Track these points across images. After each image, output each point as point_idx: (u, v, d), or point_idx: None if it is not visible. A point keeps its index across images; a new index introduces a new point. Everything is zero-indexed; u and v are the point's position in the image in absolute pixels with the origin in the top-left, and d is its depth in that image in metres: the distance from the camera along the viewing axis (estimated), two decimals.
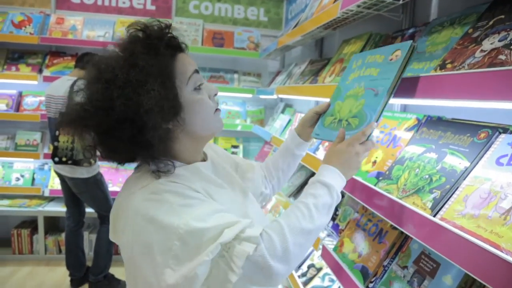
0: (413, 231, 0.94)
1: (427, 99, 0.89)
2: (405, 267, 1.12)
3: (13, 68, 3.40)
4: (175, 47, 0.91)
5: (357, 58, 1.17)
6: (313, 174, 1.32)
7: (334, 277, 1.78)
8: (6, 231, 3.54)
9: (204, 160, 1.02)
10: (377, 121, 0.96)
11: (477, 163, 0.91)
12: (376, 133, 1.40)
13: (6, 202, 3.50)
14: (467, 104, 0.86)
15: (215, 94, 0.96)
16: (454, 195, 0.90)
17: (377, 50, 1.07)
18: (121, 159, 0.90)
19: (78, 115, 0.81)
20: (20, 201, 3.53)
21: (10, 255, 3.46)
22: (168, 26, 0.90)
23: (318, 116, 1.19)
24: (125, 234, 0.83)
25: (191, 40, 3.54)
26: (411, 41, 0.95)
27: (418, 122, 1.23)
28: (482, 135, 0.94)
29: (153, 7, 3.72)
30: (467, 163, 0.93)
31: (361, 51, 1.55)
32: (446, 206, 0.90)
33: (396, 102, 1.46)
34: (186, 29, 3.56)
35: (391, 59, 0.98)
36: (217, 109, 0.96)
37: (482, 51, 0.83)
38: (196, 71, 0.92)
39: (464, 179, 0.92)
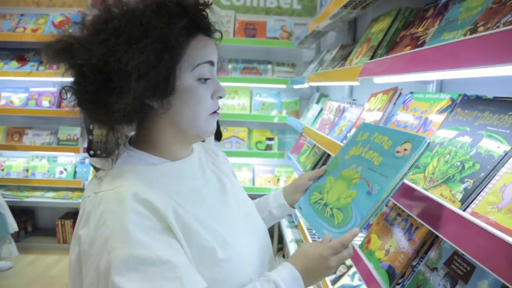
0: (439, 227, 0.80)
1: (450, 70, 0.75)
2: (434, 269, 0.98)
3: (55, 66, 3.54)
4: (200, 27, 0.80)
5: (365, 128, 1.02)
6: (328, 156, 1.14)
7: None
8: (52, 221, 3.72)
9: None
10: (362, 228, 0.82)
11: None
12: (406, 118, 1.24)
13: (51, 194, 3.68)
14: (505, 71, 0.70)
15: (219, 97, 0.85)
16: (489, 185, 0.76)
17: (388, 131, 0.94)
18: (93, 117, 0.80)
19: (64, 45, 0.75)
20: (63, 193, 3.69)
21: (55, 244, 3.64)
22: (205, 4, 0.80)
23: (311, 182, 1.06)
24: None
25: (222, 32, 3.48)
26: (425, 137, 0.81)
27: (452, 102, 1.07)
28: None
29: None
30: (507, 147, 0.78)
31: (389, 28, 1.39)
32: (478, 198, 0.76)
33: (428, 78, 1.28)
34: (223, 22, 3.51)
35: (397, 152, 0.84)
36: (214, 112, 0.85)
37: None
38: (211, 63, 0.81)
39: (503, 166, 0.76)
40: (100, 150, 2.75)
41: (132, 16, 0.73)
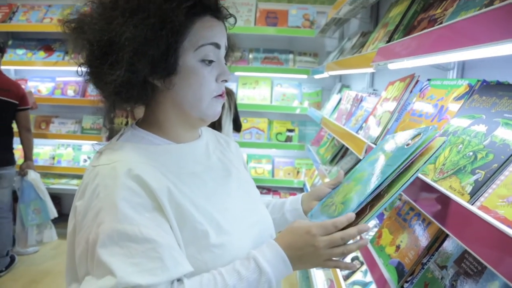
0: (446, 222, 0.73)
1: (461, 51, 0.68)
2: (444, 267, 0.91)
3: (79, 56, 3.61)
4: (207, 7, 0.79)
5: (389, 138, 0.97)
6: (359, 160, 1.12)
7: None
8: None
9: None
10: (369, 220, 0.74)
11: None
12: (421, 106, 1.17)
13: (75, 181, 3.79)
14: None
15: (224, 80, 0.82)
16: (501, 177, 0.68)
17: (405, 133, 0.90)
18: (104, 91, 0.82)
19: (77, 22, 0.79)
20: None
21: None
22: None
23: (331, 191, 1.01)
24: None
25: (243, 20, 3.44)
26: (434, 126, 0.78)
27: (470, 89, 0.99)
28: None
29: None
30: None
31: (407, 11, 1.31)
32: (489, 190, 0.69)
33: (442, 60, 1.20)
34: (238, 10, 3.47)
35: (407, 145, 0.81)
36: (219, 96, 0.83)
37: None
38: (216, 46, 0.79)
39: None
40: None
41: None
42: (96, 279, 0.66)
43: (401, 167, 0.75)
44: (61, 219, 3.91)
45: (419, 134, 0.81)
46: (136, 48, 0.71)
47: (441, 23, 1.04)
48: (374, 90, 2.35)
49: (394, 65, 1.21)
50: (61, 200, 4.04)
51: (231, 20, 0.88)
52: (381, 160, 0.87)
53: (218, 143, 0.99)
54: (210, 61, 0.79)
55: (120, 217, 0.68)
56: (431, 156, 0.75)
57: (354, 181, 0.90)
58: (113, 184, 0.71)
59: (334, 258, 0.76)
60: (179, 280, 0.71)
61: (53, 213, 3.09)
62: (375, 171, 0.83)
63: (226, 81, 0.83)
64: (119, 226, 0.67)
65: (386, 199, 0.75)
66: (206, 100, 0.81)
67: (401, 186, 0.75)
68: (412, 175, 0.75)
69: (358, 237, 0.77)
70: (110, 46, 0.72)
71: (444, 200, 0.75)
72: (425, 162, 0.75)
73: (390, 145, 0.91)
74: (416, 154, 0.77)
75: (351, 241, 0.76)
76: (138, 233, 0.67)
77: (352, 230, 0.73)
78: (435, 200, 0.79)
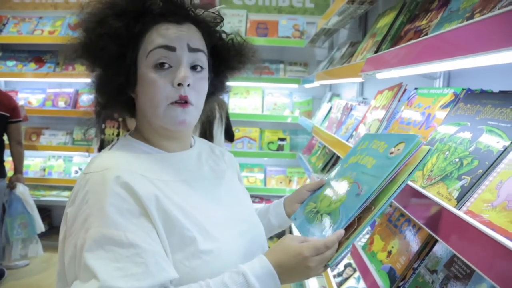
0: (434, 227, 0.76)
1: (446, 61, 0.71)
2: (434, 271, 0.93)
3: (70, 68, 3.62)
4: (161, 15, 0.78)
5: (366, 138, 0.98)
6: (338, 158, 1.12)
7: None
8: None
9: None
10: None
11: None
12: (409, 114, 1.20)
13: (66, 193, 3.75)
14: (503, 58, 0.66)
15: (179, 84, 0.78)
16: (486, 182, 0.71)
17: (386, 136, 0.90)
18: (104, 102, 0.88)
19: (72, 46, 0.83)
20: None
21: None
22: None
23: (311, 193, 1.00)
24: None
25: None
26: (418, 135, 0.76)
27: (455, 97, 1.02)
28: None
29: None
30: (506, 142, 0.73)
31: (393, 22, 1.35)
32: (474, 195, 0.71)
33: (428, 70, 1.23)
34: (229, 20, 3.51)
35: (391, 153, 0.80)
36: (179, 103, 0.78)
37: None
38: (168, 48, 0.77)
39: (501, 161, 0.72)
40: None
41: (87, 16, 0.79)
42: (82, 283, 0.67)
43: (387, 179, 0.75)
44: (52, 232, 3.88)
45: (402, 142, 0.80)
46: (98, 67, 0.80)
47: (426, 34, 1.08)
48: (363, 98, 2.39)
49: (382, 74, 1.24)
50: (51, 212, 4.00)
51: (234, 31, 0.92)
52: (363, 166, 0.87)
53: (212, 154, 1.00)
54: (162, 64, 0.77)
55: (107, 222, 0.69)
56: (416, 166, 0.75)
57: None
58: (102, 191, 0.72)
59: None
60: (165, 287, 0.71)
61: (40, 227, 3.05)
62: (359, 180, 0.83)
63: (181, 84, 0.78)
64: (106, 231, 0.68)
65: (374, 212, 0.75)
66: (161, 107, 0.78)
67: (389, 198, 0.75)
68: (399, 186, 0.75)
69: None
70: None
71: (432, 206, 0.77)
72: (410, 173, 0.75)
73: (370, 147, 0.91)
74: (402, 165, 0.76)
75: None
76: (124, 238, 0.69)
77: (331, 237, 0.74)
78: (424, 206, 0.81)
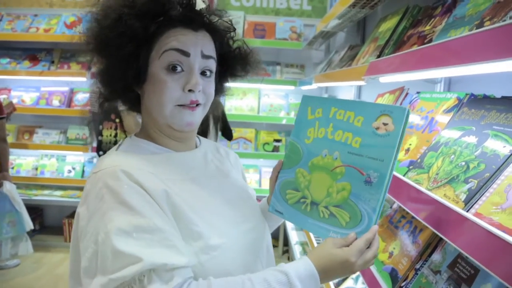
0: (442, 228, 0.77)
1: (456, 67, 0.72)
2: (438, 272, 0.95)
3: (65, 66, 3.59)
4: (179, 20, 0.79)
5: (312, 103, 0.88)
6: None
7: None
8: (59, 220, 3.75)
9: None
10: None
11: None
12: (412, 118, 1.22)
13: (59, 193, 3.71)
14: (506, 66, 0.68)
15: (190, 90, 0.80)
16: (494, 185, 0.73)
17: (348, 104, 0.82)
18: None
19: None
20: (71, 192, 3.72)
21: (62, 242, 3.66)
22: (185, 0, 0.80)
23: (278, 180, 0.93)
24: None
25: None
26: (405, 107, 0.73)
27: (458, 102, 1.04)
28: None
29: None
30: None
31: (396, 26, 1.37)
32: (482, 198, 0.73)
33: (434, 75, 1.26)
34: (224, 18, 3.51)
35: (377, 129, 0.75)
36: (188, 106, 0.80)
37: None
38: (182, 52, 0.78)
39: (508, 165, 0.74)
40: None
41: (102, 10, 0.79)
42: (117, 271, 0.66)
43: (394, 161, 0.73)
44: (43, 231, 3.84)
45: (385, 114, 0.75)
46: (108, 61, 0.80)
47: (430, 39, 1.10)
48: None
49: (385, 78, 1.26)
50: (43, 212, 3.95)
51: (235, 35, 0.91)
52: (345, 144, 0.80)
53: (217, 153, 1.01)
54: (174, 68, 0.78)
55: (131, 211, 0.70)
56: (402, 136, 0.73)
57: (321, 171, 0.83)
58: (117, 185, 0.72)
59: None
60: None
61: (29, 225, 3.01)
62: (353, 163, 0.78)
63: (192, 91, 0.80)
64: (133, 220, 0.69)
65: (385, 192, 0.75)
66: (168, 107, 0.80)
67: (390, 178, 0.74)
68: (394, 162, 0.74)
69: None
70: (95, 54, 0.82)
71: (439, 207, 0.79)
72: (399, 146, 0.73)
73: (336, 119, 0.82)
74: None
75: None
76: (152, 224, 0.69)
77: (368, 235, 0.75)
78: (431, 208, 0.83)
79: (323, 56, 3.63)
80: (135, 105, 0.89)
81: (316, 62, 3.68)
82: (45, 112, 3.58)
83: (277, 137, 3.76)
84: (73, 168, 3.68)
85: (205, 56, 0.82)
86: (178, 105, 0.80)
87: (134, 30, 0.76)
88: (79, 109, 3.55)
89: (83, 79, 3.49)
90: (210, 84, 0.85)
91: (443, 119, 1.06)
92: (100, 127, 2.77)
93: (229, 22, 0.88)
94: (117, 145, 0.88)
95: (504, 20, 0.66)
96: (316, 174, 0.84)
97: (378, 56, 1.36)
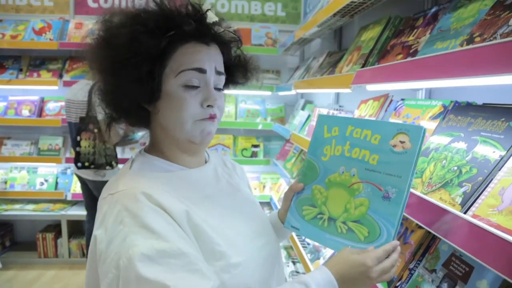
0: (441, 230, 0.82)
1: (453, 79, 0.78)
2: (433, 271, 1.00)
3: (35, 74, 3.46)
4: (192, 35, 0.79)
5: (328, 122, 0.92)
6: None
7: None
8: (32, 235, 3.60)
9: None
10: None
11: None
12: None
13: (31, 206, 3.56)
14: (502, 80, 0.74)
15: (209, 106, 0.81)
16: (488, 189, 0.78)
17: (366, 123, 0.86)
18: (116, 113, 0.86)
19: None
20: (44, 206, 3.58)
21: (36, 258, 3.51)
22: (195, 13, 0.80)
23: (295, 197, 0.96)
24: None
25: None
26: (422, 126, 0.77)
27: (444, 109, 1.11)
28: None
29: None
30: (502, 152, 0.81)
31: (380, 36, 1.43)
32: (478, 201, 0.79)
33: (418, 86, 1.32)
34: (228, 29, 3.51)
35: (394, 146, 0.79)
36: (204, 119, 0.81)
37: None
38: (199, 70, 0.79)
39: (499, 169, 0.79)
40: (88, 162, 2.70)
41: (111, 26, 0.79)
42: None
43: (412, 177, 0.76)
44: (14, 248, 3.66)
45: (401, 133, 0.79)
46: (117, 78, 0.78)
47: (416, 50, 1.16)
48: (340, 106, 2.49)
49: (372, 87, 1.31)
50: (13, 227, 3.78)
51: (236, 45, 0.92)
52: (362, 161, 0.83)
53: (225, 167, 1.02)
54: (193, 86, 0.80)
55: (154, 235, 0.69)
56: (418, 154, 0.77)
57: (338, 187, 0.86)
58: (136, 208, 0.72)
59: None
60: None
61: None
62: (370, 179, 0.81)
63: (211, 106, 0.82)
64: (156, 245, 0.68)
65: (402, 209, 0.77)
66: (189, 123, 0.81)
67: (408, 192, 0.77)
68: (411, 178, 0.77)
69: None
70: (102, 75, 0.80)
71: (436, 211, 0.84)
72: (415, 163, 0.76)
73: (354, 137, 0.86)
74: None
75: None
76: (176, 248, 0.68)
77: (387, 246, 0.76)
78: (428, 211, 0.87)
79: (298, 61, 3.70)
80: (142, 122, 0.87)
81: (291, 67, 3.74)
82: (14, 123, 3.43)
83: (255, 142, 3.79)
84: (46, 180, 3.54)
85: (218, 73, 0.84)
86: (198, 120, 0.81)
87: (149, 48, 0.75)
88: (51, 118, 3.43)
89: (55, 87, 3.37)
90: (222, 98, 0.86)
91: (430, 125, 1.12)
92: (78, 138, 2.70)
93: (234, 32, 0.89)
94: (129, 162, 0.87)
95: (495, 38, 0.72)
96: (333, 190, 0.87)
97: (363, 65, 1.41)
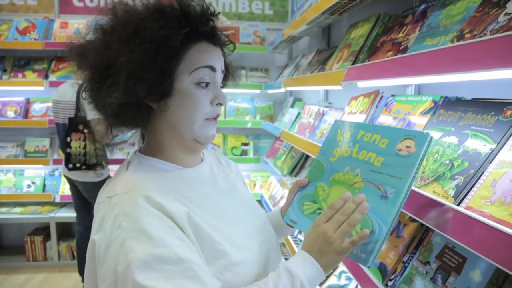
0: (435, 223, 0.84)
1: (446, 74, 0.79)
2: (427, 263, 1.02)
3: (20, 75, 3.40)
4: (205, 34, 0.81)
5: (342, 126, 0.95)
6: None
7: (351, 275, 1.69)
8: (20, 238, 3.54)
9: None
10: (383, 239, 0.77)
11: (504, 143, 0.81)
12: (389, 120, 1.30)
13: (18, 209, 3.50)
14: (492, 75, 0.76)
15: (218, 104, 0.84)
16: (480, 181, 0.81)
17: (376, 128, 0.89)
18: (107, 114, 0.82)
19: (80, 48, 0.82)
20: (32, 208, 3.52)
21: (25, 262, 3.46)
22: (210, 14, 0.81)
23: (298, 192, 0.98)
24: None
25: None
26: (428, 133, 0.78)
27: (434, 104, 1.13)
28: (509, 112, 0.84)
29: None
30: (492, 145, 0.83)
31: (369, 33, 1.45)
32: (471, 193, 0.81)
33: (409, 82, 1.35)
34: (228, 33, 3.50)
35: (400, 150, 0.81)
36: (212, 119, 0.84)
37: (506, 14, 0.73)
38: (211, 69, 0.82)
39: (490, 162, 0.82)
40: (79, 163, 2.67)
41: (129, 18, 0.78)
42: None
43: (413, 180, 0.78)
44: (1, 252, 3.60)
45: (408, 138, 0.81)
46: (131, 71, 0.74)
47: (406, 47, 1.18)
48: (329, 103, 2.51)
49: (363, 83, 1.33)
50: (0, 231, 3.71)
51: (231, 46, 0.93)
52: (367, 163, 0.85)
53: (220, 164, 1.02)
54: (206, 84, 0.82)
55: (152, 241, 0.68)
56: (422, 159, 0.78)
57: (341, 185, 0.88)
58: (135, 211, 0.71)
59: (346, 240, 0.76)
60: None
61: None
62: (371, 179, 0.83)
63: (221, 104, 0.85)
64: (153, 251, 0.67)
65: (398, 209, 0.77)
66: (198, 122, 0.82)
67: (406, 195, 0.78)
68: (411, 183, 0.79)
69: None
70: (108, 70, 0.76)
71: (430, 203, 0.86)
72: (418, 167, 0.78)
73: (363, 140, 0.89)
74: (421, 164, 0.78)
75: None
76: (173, 254, 0.68)
77: (348, 203, 0.77)
78: (421, 204, 0.89)
79: (286, 58, 3.71)
80: (142, 121, 0.84)
81: (280, 65, 3.76)
82: None
83: (245, 140, 3.80)
84: (33, 183, 3.49)
85: (222, 72, 0.87)
86: (206, 119, 0.83)
87: (172, 43, 0.76)
88: (38, 120, 3.37)
89: (41, 88, 3.32)
90: None
91: (421, 120, 1.14)
92: (68, 138, 2.66)
93: (227, 37, 0.90)
94: (125, 164, 0.86)
95: (485, 34, 0.74)
96: (335, 188, 0.89)
97: (354, 62, 1.43)
